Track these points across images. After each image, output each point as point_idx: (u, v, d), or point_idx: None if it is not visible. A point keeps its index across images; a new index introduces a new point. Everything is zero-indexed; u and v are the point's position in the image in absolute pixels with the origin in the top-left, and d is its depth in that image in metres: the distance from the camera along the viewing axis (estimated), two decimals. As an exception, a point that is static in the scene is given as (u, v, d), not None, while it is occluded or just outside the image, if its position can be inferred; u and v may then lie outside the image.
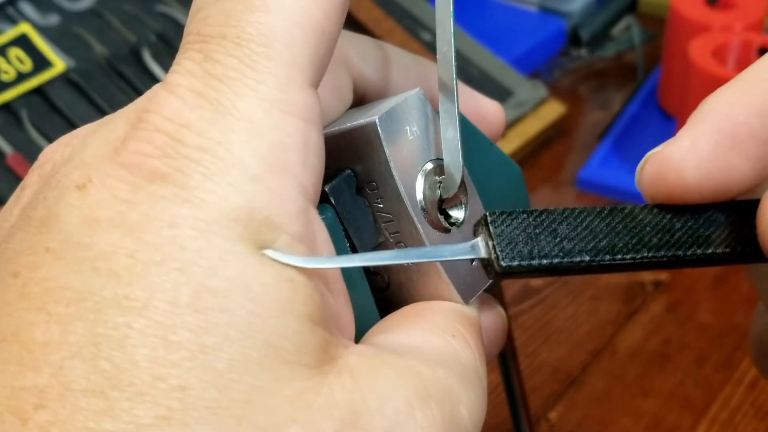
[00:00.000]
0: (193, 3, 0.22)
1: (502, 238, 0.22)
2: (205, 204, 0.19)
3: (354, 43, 0.27)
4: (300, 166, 0.20)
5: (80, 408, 0.18)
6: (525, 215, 0.22)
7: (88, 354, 0.18)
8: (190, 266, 0.19)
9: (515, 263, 0.22)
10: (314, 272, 0.20)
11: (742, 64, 0.71)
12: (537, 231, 0.22)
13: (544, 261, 0.21)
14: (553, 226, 0.22)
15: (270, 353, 0.19)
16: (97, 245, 0.19)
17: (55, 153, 0.22)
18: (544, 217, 0.22)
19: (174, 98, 0.20)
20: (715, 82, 0.72)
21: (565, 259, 0.21)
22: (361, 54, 0.27)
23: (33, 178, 0.22)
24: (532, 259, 0.21)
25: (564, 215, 0.22)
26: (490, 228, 0.22)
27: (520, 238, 0.22)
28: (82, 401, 0.18)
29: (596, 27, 0.87)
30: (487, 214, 0.22)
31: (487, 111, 0.29)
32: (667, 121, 0.76)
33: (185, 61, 0.21)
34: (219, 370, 0.18)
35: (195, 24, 0.21)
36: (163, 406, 0.18)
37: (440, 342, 0.23)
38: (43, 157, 0.22)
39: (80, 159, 0.21)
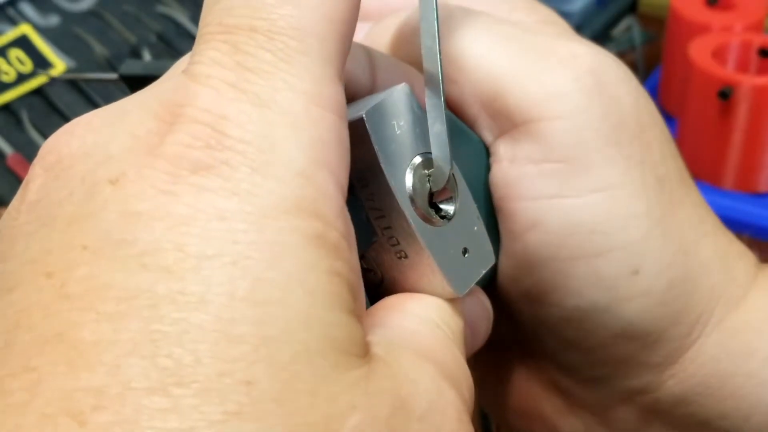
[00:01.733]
0: None
1: None
2: (254, 197, 0.19)
3: None
4: (337, 162, 0.20)
5: (143, 407, 0.17)
6: None
7: (145, 351, 0.18)
8: (244, 259, 0.18)
9: None
10: (352, 264, 0.20)
11: (742, 64, 0.71)
12: None
13: None
14: None
15: (328, 344, 0.19)
16: (141, 241, 0.18)
17: (57, 144, 0.21)
18: None
19: (208, 90, 0.20)
20: (715, 82, 0.73)
21: None
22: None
23: (36, 172, 0.21)
24: None
25: None
26: None
27: None
28: (145, 400, 0.17)
29: (597, 27, 0.87)
30: None
31: None
32: (667, 120, 0.76)
33: (210, 51, 0.20)
34: (282, 362, 0.18)
35: (216, 14, 0.21)
36: (232, 402, 0.17)
37: (428, 332, 0.23)
38: (44, 149, 0.21)
39: (105, 153, 0.20)
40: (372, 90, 0.27)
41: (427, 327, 0.23)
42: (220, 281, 0.18)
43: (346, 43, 0.21)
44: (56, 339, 0.18)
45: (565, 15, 0.88)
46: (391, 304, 0.24)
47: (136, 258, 0.18)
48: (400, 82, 0.25)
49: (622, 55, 0.86)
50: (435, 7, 0.24)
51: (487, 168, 0.28)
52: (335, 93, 0.21)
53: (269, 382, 0.18)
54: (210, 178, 0.19)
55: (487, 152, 0.28)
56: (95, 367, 0.18)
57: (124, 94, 0.75)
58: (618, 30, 0.89)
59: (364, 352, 0.20)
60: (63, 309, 0.18)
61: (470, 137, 0.28)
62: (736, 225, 0.66)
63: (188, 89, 0.20)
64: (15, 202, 0.21)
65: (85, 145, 0.20)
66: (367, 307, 0.25)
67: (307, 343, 0.19)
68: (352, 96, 0.27)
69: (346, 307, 0.20)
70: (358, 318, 0.20)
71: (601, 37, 0.87)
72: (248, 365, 0.18)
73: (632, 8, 0.90)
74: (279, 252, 0.19)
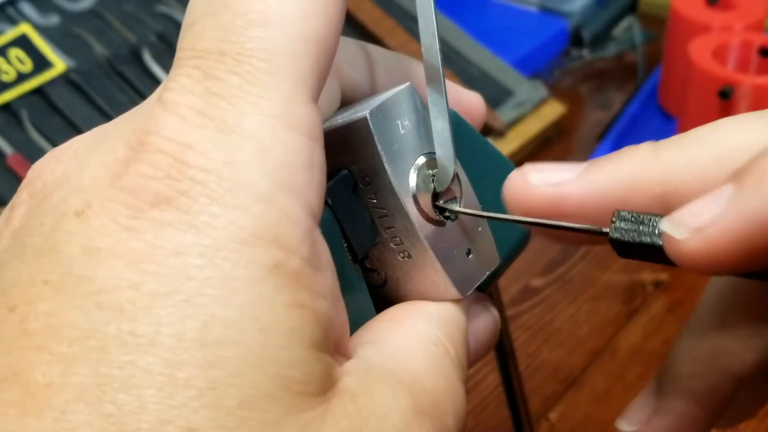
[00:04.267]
0: (186, 15, 0.21)
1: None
2: (212, 229, 0.19)
3: (341, 50, 0.27)
4: (306, 185, 0.20)
5: None
6: None
7: (92, 397, 0.17)
8: (198, 297, 0.18)
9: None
10: (319, 290, 0.20)
11: (742, 64, 0.71)
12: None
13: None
14: None
15: (281, 385, 0.18)
16: (99, 277, 0.18)
17: (44, 170, 0.21)
18: None
19: (175, 118, 0.20)
20: (715, 82, 0.73)
21: None
22: (348, 60, 0.26)
23: (22, 197, 0.21)
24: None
25: None
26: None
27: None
28: None
29: (598, 27, 0.87)
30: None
31: (468, 103, 0.29)
32: (667, 120, 0.76)
33: (182, 77, 0.20)
34: (228, 407, 0.18)
35: (189, 38, 0.21)
36: None
37: (423, 351, 0.23)
38: (32, 173, 0.21)
39: (78, 182, 0.20)
40: (372, 90, 0.27)
41: (422, 346, 0.23)
42: (170, 321, 0.18)
43: (323, 63, 0.21)
44: (12, 378, 0.18)
45: (566, 15, 0.88)
46: (393, 316, 0.24)
47: (93, 296, 0.18)
48: (402, 81, 0.25)
49: (622, 55, 0.86)
50: (433, 5, 0.24)
51: (492, 169, 0.28)
52: (307, 113, 0.20)
53: (213, 430, 0.18)
54: (169, 211, 0.19)
55: (493, 153, 0.28)
56: (43, 412, 0.17)
57: (126, 96, 0.75)
58: (619, 30, 0.89)
59: (324, 389, 0.19)
60: (21, 346, 0.18)
61: (477, 139, 0.28)
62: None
63: (157, 117, 0.20)
64: (0, 224, 0.21)
65: (67, 172, 0.20)
66: (371, 309, 0.25)
67: (257, 385, 0.18)
68: (351, 98, 0.27)
69: (308, 341, 0.19)
70: (326, 348, 0.20)
71: (602, 37, 0.87)
72: (192, 411, 0.17)
73: (632, 8, 0.90)
74: (233, 287, 0.18)
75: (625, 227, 0.21)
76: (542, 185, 0.22)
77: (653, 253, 0.21)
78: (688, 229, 0.20)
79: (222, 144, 0.19)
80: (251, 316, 0.18)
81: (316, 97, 0.21)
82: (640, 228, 0.21)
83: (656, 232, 0.21)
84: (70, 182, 0.20)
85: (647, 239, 0.21)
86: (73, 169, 0.20)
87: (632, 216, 0.21)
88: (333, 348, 0.20)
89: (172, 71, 0.20)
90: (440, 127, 0.24)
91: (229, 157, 0.19)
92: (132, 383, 0.18)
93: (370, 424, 0.20)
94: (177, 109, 0.20)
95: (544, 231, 0.23)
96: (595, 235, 0.22)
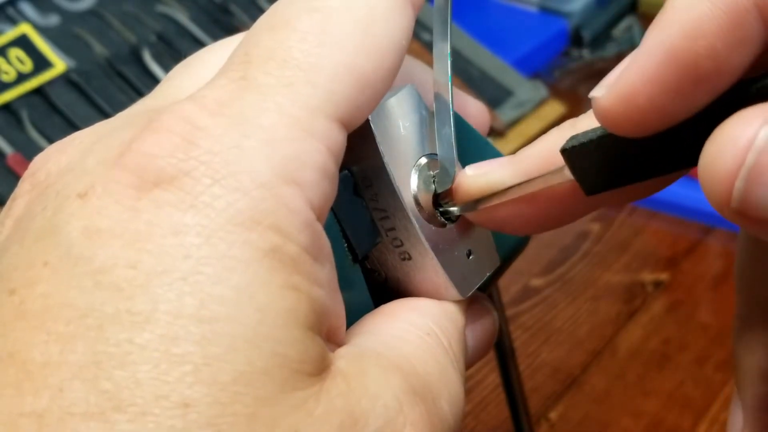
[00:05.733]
0: (249, 30, 0.22)
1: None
2: (210, 209, 0.19)
3: None
4: (312, 184, 0.20)
5: None
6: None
7: (88, 374, 0.18)
8: (195, 275, 0.18)
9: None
10: (316, 278, 0.20)
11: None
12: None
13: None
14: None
15: (276, 363, 0.19)
16: (98, 258, 0.18)
17: (47, 161, 0.21)
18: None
19: (195, 105, 0.20)
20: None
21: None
22: None
23: (25, 188, 0.21)
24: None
25: None
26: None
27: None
28: (82, 426, 0.17)
29: (598, 27, 0.87)
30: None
31: (471, 111, 0.29)
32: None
33: (221, 78, 0.21)
34: (223, 383, 0.18)
35: (245, 46, 0.21)
36: (166, 427, 0.17)
37: (415, 340, 0.23)
38: (34, 165, 0.21)
39: (82, 167, 0.20)
40: None
41: (414, 335, 0.23)
42: (167, 298, 0.18)
43: (362, 99, 0.21)
44: (9, 359, 0.18)
45: (566, 15, 0.88)
46: (388, 310, 0.24)
47: (91, 275, 0.18)
48: (404, 82, 0.25)
49: (622, 55, 0.86)
50: (449, 10, 0.24)
51: None
52: (329, 129, 0.21)
53: (207, 405, 0.18)
54: (172, 191, 0.19)
55: (493, 153, 0.28)
56: (40, 390, 0.18)
57: (126, 95, 0.75)
58: (619, 30, 0.89)
59: (319, 369, 0.20)
60: (18, 327, 0.18)
61: (479, 140, 0.28)
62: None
63: (177, 104, 0.20)
64: (1, 215, 0.21)
65: (72, 162, 0.21)
66: (371, 309, 0.25)
67: (252, 362, 0.18)
68: None
69: (303, 323, 0.19)
70: (319, 333, 0.20)
71: (603, 37, 0.87)
72: (188, 386, 0.18)
73: (632, 8, 0.90)
74: (230, 266, 0.19)
75: (573, 138, 0.22)
76: (475, 175, 0.24)
77: (603, 152, 0.21)
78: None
79: (233, 130, 0.20)
80: (247, 295, 0.19)
81: (345, 125, 0.21)
82: (586, 133, 0.21)
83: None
84: (74, 170, 0.20)
85: (590, 133, 0.21)
86: (78, 158, 0.21)
87: (580, 133, 0.22)
88: (326, 336, 0.21)
89: (217, 73, 0.21)
90: (445, 131, 0.24)
91: (237, 143, 0.19)
92: (128, 360, 0.18)
93: (362, 403, 0.20)
94: (201, 100, 0.20)
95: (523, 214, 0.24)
96: (555, 182, 0.23)
